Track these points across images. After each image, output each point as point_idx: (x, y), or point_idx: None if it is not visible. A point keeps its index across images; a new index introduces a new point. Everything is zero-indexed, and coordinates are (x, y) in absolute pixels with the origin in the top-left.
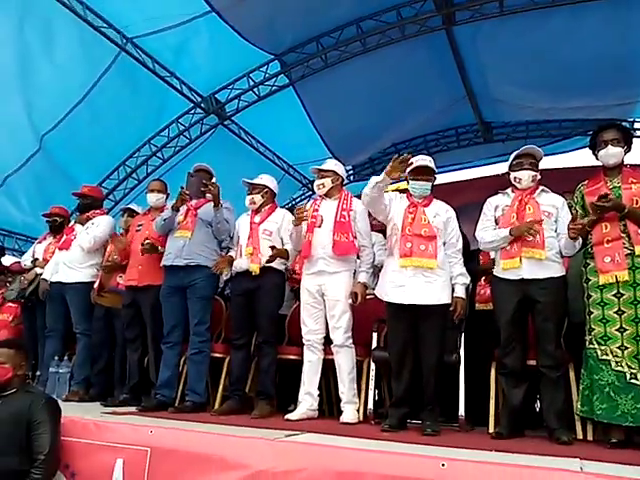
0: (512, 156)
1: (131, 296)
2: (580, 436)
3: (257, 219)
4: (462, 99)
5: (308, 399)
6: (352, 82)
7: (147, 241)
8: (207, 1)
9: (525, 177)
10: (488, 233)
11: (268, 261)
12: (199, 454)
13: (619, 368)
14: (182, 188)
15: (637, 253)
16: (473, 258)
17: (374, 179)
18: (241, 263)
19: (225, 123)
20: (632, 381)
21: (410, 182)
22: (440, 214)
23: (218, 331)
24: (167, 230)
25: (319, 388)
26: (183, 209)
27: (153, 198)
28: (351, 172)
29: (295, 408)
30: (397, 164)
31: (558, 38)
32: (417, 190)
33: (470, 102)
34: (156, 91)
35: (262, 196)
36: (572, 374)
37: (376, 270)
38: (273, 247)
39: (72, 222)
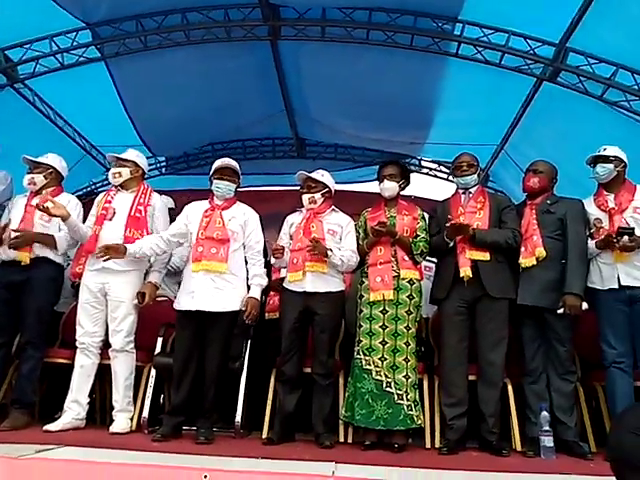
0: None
1: None
2: (342, 439)
3: (35, 202)
4: (280, 112)
5: (75, 407)
6: (173, 71)
7: None
8: None
9: (305, 199)
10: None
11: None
12: None
13: (378, 377)
14: None
15: (402, 276)
16: (268, 269)
17: None
18: (8, 251)
19: (16, 86)
20: (387, 389)
21: (214, 182)
22: (237, 217)
23: None
24: None
25: (92, 395)
26: None
27: None
28: (164, 164)
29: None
30: None
31: (368, 73)
32: (221, 190)
33: (288, 116)
34: None
35: (45, 177)
36: (341, 381)
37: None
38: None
39: None
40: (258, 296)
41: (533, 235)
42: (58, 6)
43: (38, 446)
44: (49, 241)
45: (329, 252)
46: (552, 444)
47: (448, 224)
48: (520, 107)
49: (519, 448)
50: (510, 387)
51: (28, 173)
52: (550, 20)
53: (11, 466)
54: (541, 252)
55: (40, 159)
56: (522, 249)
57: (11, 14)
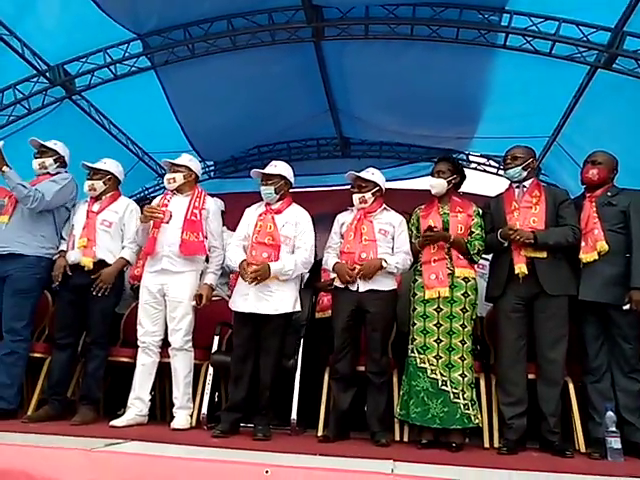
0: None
1: None
2: (397, 438)
3: (96, 208)
4: (325, 112)
5: (138, 404)
6: (220, 77)
7: None
8: None
9: (355, 199)
10: (331, 258)
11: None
12: None
13: (433, 375)
14: None
15: (456, 274)
16: (318, 269)
17: None
18: (72, 256)
19: (74, 98)
20: (443, 387)
21: (261, 188)
22: (290, 221)
23: (41, 328)
24: None
25: (152, 392)
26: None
27: None
28: (212, 168)
29: (124, 413)
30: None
31: (412, 69)
32: (264, 195)
33: (332, 116)
34: None
35: (104, 183)
36: (395, 379)
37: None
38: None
39: None
40: (290, 266)
41: (594, 229)
42: (111, 20)
43: (107, 440)
44: (123, 265)
45: (383, 263)
46: (620, 446)
47: (511, 233)
48: (572, 97)
49: (583, 449)
50: (571, 386)
51: (88, 179)
52: (604, 4)
53: (86, 457)
54: (603, 246)
55: (98, 165)
56: (582, 244)
57: (69, 31)
